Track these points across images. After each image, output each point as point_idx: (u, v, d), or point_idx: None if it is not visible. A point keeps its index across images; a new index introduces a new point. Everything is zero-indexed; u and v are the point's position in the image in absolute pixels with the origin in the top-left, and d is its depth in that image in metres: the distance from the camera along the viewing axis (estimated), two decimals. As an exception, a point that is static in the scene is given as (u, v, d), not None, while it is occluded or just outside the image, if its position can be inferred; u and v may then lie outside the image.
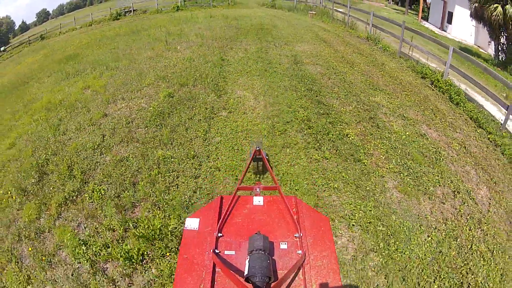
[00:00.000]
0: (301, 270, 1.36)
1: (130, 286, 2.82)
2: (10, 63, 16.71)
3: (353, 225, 3.29)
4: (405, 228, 3.41)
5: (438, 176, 4.25)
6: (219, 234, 1.50)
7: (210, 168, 3.83)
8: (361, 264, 2.97)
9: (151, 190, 3.55)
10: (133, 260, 2.90)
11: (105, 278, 2.86)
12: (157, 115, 4.92)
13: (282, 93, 5.75)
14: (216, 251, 1.42)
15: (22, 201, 3.96)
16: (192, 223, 1.54)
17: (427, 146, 4.80)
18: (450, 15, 17.67)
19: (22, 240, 3.48)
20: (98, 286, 2.81)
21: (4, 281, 3.15)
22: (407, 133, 4.98)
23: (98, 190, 3.70)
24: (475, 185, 4.40)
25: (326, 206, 3.42)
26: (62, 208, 3.69)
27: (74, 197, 3.77)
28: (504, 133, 5.66)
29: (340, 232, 3.20)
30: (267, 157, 3.23)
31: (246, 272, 1.24)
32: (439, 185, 4.13)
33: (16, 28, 32.23)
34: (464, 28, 16.46)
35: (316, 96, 5.69)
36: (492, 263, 3.34)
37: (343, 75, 6.78)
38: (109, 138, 4.62)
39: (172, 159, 3.95)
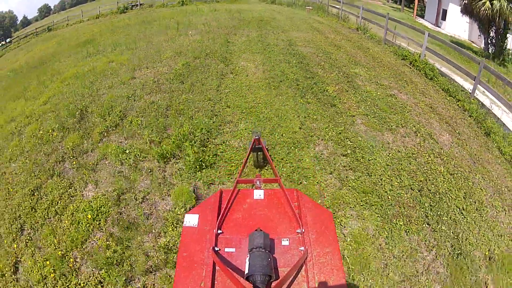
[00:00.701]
0: (303, 267, 1.39)
1: (163, 173, 4.33)
2: (20, 51, 18.53)
3: (327, 139, 4.87)
4: (369, 145, 4.84)
5: (401, 121, 5.60)
6: (219, 231, 1.54)
7: (222, 106, 5.51)
8: (334, 161, 4.46)
9: (178, 118, 5.19)
10: (167, 156, 4.44)
11: (144, 169, 4.35)
12: (178, 76, 6.63)
13: (277, 64, 7.47)
14: (216, 248, 1.46)
15: (64, 135, 5.28)
16: (191, 219, 1.58)
17: (394, 103, 6.36)
18: (445, 12, 19.71)
19: (65, 160, 4.76)
20: (137, 176, 4.26)
21: (42, 193, 4.23)
22: (378, 93, 6.63)
23: (136, 121, 5.30)
24: (437, 132, 5.58)
25: (307, 128, 5.05)
26: (104, 135, 5.11)
27: (115, 127, 5.25)
28: (472, 100, 6.93)
29: (317, 142, 4.80)
30: (267, 147, 3.37)
31: (246, 271, 1.29)
32: (402, 126, 5.46)
33: (17, 23, 34.87)
34: (457, 24, 18.37)
35: (305, 67, 7.41)
36: (453, 182, 4.35)
37: (330, 54, 8.52)
38: (140, 91, 6.29)
39: (193, 100, 5.63)
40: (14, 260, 3.67)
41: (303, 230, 1.52)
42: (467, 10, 15.96)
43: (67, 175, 4.56)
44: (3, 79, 12.37)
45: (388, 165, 4.62)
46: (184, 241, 1.53)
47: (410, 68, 8.68)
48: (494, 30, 15.10)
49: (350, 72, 7.44)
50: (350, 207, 3.88)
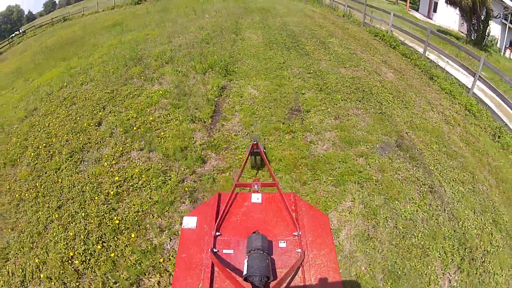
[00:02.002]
0: (300, 269, 1.65)
1: (203, 77, 8.63)
2: (41, 37, 23.41)
3: (299, 67, 9.27)
4: (326, 71, 9.17)
5: (355, 64, 9.98)
6: (217, 233, 1.82)
7: (235, 54, 10.04)
8: (301, 75, 8.80)
9: (208, 58, 9.61)
10: (205, 70, 8.84)
11: (191, 76, 8.72)
12: (203, 40, 11.23)
13: (273, 36, 12.05)
14: (214, 250, 1.72)
15: (129, 68, 9.70)
16: (189, 221, 1.87)
17: (353, 57, 10.72)
18: (436, 4, 24.56)
19: (133, 78, 9.04)
20: (187, 79, 8.62)
21: (119, 91, 8.42)
22: (343, 52, 11.05)
23: (181, 59, 9.75)
24: (383, 72, 9.87)
25: (288, 63, 9.47)
26: (160, 66, 9.56)
27: (166, 63, 9.70)
28: (423, 59, 11.32)
29: (293, 68, 9.20)
30: (264, 151, 3.84)
31: (245, 272, 1.53)
32: (355, 67, 9.82)
33: (23, 17, 40.94)
34: (448, 16, 23.09)
35: (293, 37, 11.96)
36: (385, 90, 8.40)
37: (314, 31, 13.09)
38: (178, 47, 10.82)
39: (217, 51, 10.13)
40: (97, 121, 7.03)
41: (300, 233, 1.82)
42: (450, 0, 20.50)
43: (137, 84, 8.79)
44: (39, 53, 16.98)
45: (337, 79, 8.88)
46: (183, 243, 1.81)
47: (379, 42, 13.16)
48: (475, 18, 19.39)
49: (326, 41, 11.95)
50: (308, 89, 8.15)
